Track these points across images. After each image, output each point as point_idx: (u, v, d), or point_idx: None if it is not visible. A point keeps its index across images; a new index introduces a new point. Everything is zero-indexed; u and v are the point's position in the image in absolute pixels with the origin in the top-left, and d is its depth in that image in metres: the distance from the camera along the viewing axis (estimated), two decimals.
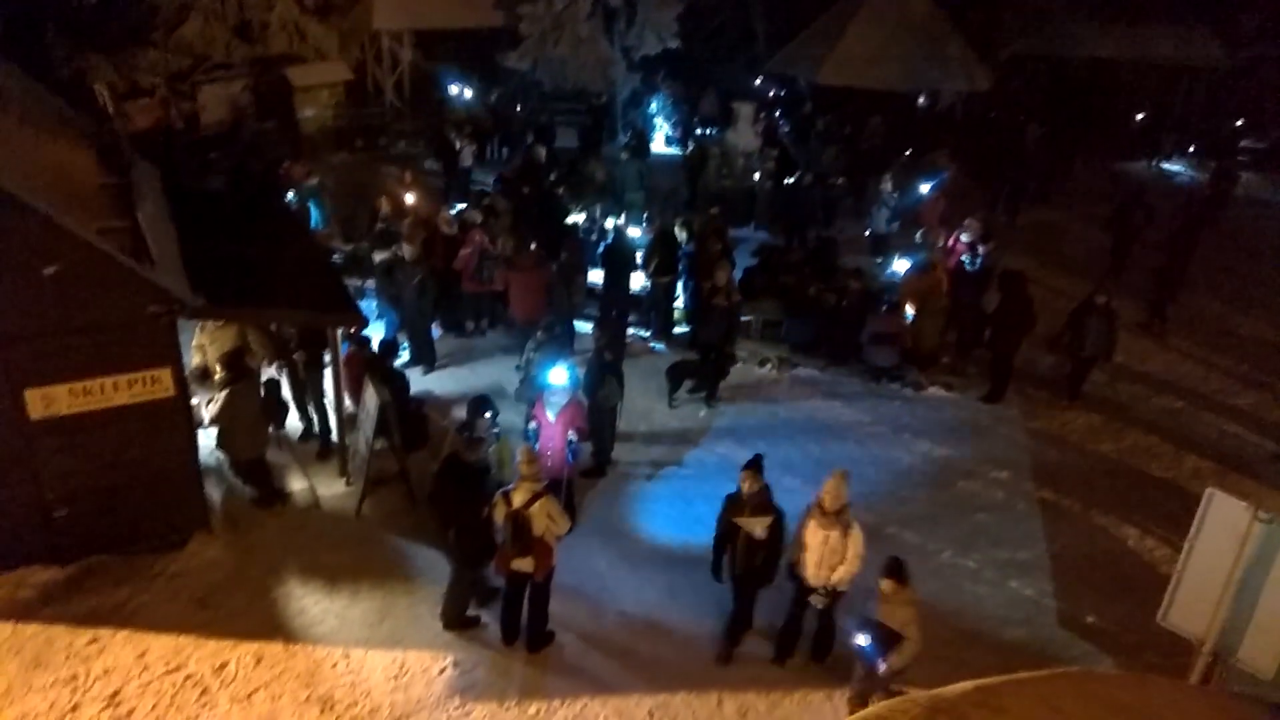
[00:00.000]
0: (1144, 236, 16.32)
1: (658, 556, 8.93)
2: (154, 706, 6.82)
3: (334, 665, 7.32)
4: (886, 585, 6.59)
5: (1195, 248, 15.74)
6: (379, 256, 12.28)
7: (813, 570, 7.26)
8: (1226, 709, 3.70)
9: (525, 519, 7.15)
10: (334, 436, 9.93)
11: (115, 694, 6.90)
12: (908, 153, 20.04)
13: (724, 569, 7.69)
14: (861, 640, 6.70)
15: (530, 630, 7.64)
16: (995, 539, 9.58)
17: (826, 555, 7.16)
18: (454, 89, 21.88)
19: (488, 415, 8.70)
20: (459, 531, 7.65)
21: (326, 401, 10.05)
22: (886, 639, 6.59)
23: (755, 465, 7.46)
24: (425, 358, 12.30)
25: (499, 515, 7.29)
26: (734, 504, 7.47)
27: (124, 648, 7.34)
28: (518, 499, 7.20)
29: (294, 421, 10.30)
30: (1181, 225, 15.79)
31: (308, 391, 10.19)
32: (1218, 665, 6.29)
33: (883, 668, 6.63)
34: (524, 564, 7.29)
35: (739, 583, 7.63)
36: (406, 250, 11.91)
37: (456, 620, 7.80)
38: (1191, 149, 25.42)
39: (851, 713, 6.89)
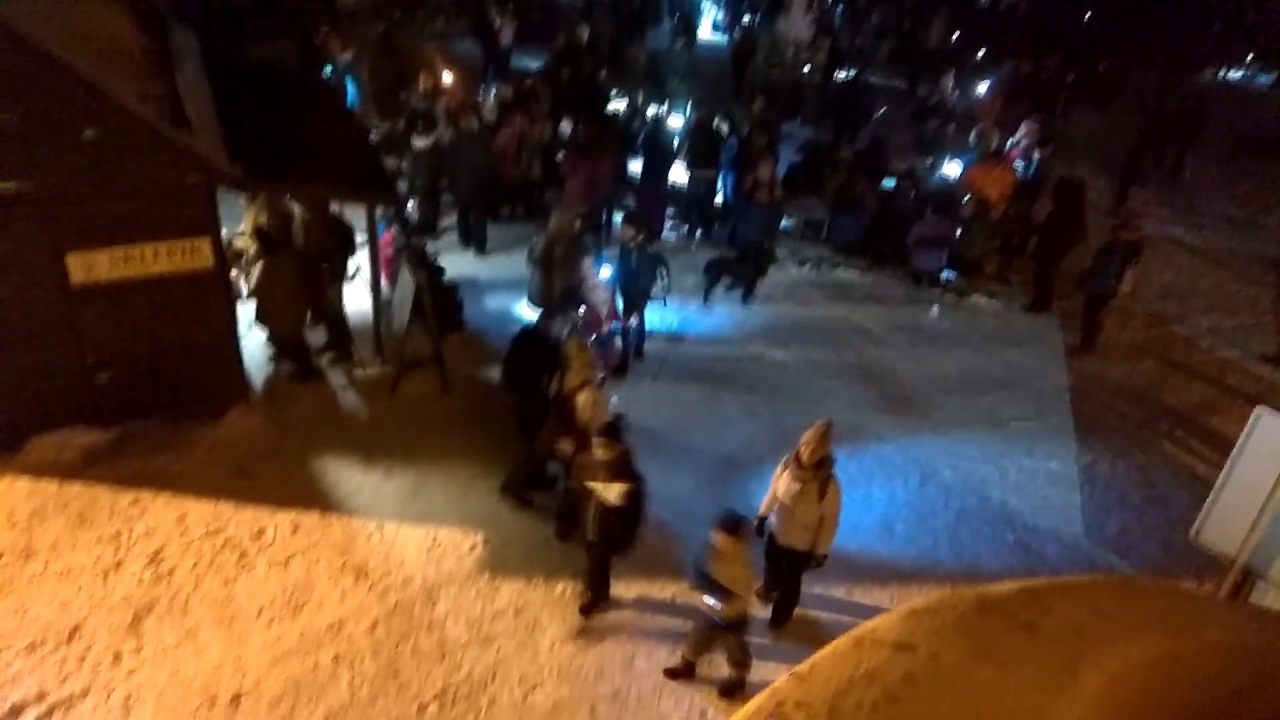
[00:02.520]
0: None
1: (685, 451, 8.96)
2: (194, 566, 7.04)
3: (368, 537, 7.50)
4: (720, 540, 5.99)
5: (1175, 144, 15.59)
6: (420, 142, 12.00)
7: (781, 526, 6.72)
8: (1262, 624, 3.66)
9: (571, 405, 7.24)
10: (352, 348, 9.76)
11: (157, 552, 7.11)
12: (981, 53, 19.22)
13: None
14: (711, 601, 6.16)
15: None
16: (1027, 449, 9.53)
17: (799, 512, 6.56)
18: None
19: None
20: (520, 398, 7.83)
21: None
22: (723, 595, 6.14)
23: (612, 430, 6.56)
24: (478, 239, 12.27)
25: (551, 393, 7.43)
26: (587, 467, 6.73)
27: (165, 510, 7.54)
28: (568, 383, 7.31)
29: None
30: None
31: (330, 305, 9.74)
32: (1246, 584, 6.27)
33: (713, 607, 6.18)
34: (565, 446, 7.38)
35: (590, 548, 6.90)
36: (464, 124, 11.78)
37: (513, 492, 7.99)
38: (1252, 57, 24.19)
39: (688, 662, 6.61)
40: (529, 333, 8.09)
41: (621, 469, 6.52)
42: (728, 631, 6.31)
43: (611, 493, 6.48)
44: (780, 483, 6.66)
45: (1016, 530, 8.42)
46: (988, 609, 2.26)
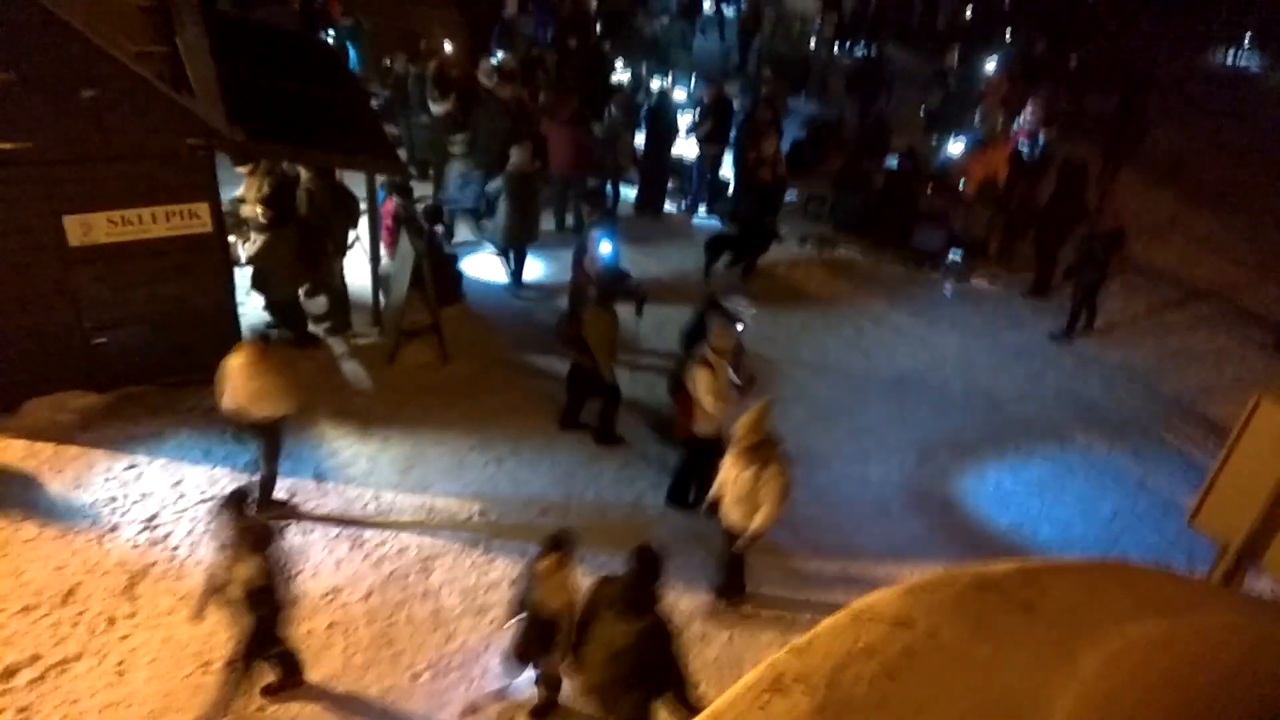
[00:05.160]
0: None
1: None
2: (189, 532, 7.04)
3: (365, 505, 7.50)
4: (545, 565, 5.37)
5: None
6: (438, 108, 11.88)
7: (729, 507, 6.54)
8: (1253, 608, 3.69)
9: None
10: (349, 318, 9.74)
11: (152, 518, 7.11)
12: (990, 32, 19.09)
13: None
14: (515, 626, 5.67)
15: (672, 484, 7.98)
16: (1024, 431, 9.53)
17: (740, 492, 6.41)
18: None
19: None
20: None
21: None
22: (539, 635, 5.50)
23: (230, 500, 5.43)
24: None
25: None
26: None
27: (161, 475, 7.54)
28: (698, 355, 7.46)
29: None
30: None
31: (329, 275, 9.61)
32: (1240, 570, 6.28)
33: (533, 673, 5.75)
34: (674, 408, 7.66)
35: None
36: (499, 89, 12.00)
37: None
38: (1248, 40, 24.01)
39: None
40: (712, 303, 8.32)
41: (256, 539, 5.37)
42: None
43: (239, 572, 5.39)
44: (726, 465, 6.52)
45: (1011, 512, 8.43)
46: (986, 587, 2.26)
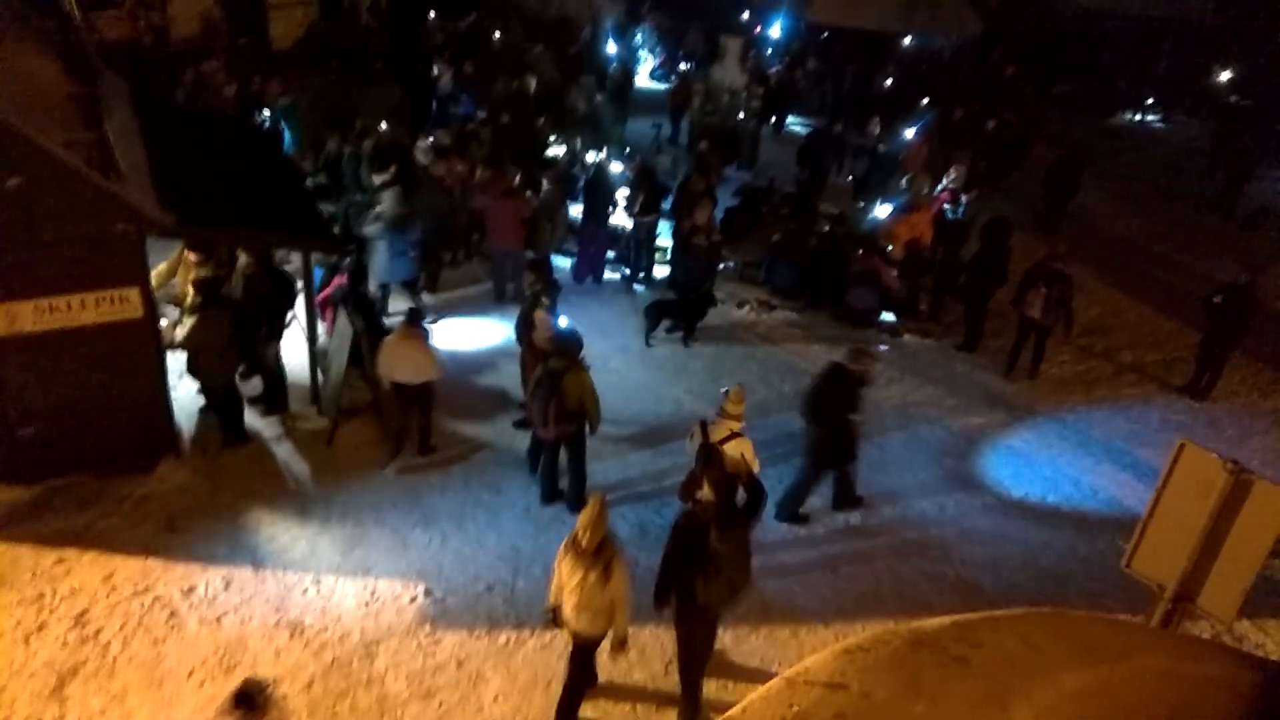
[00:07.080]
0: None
1: (629, 492, 8.96)
2: (121, 627, 6.80)
3: (304, 591, 7.32)
4: None
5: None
6: (378, 179, 11.95)
7: (571, 613, 6.08)
8: (1189, 650, 3.76)
9: (717, 454, 7.08)
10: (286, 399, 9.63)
11: (82, 614, 6.86)
12: (926, 102, 19.82)
13: None
14: None
15: None
16: (963, 483, 9.69)
17: (584, 597, 5.95)
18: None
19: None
20: (830, 429, 8.44)
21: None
22: None
23: None
24: (431, 279, 12.46)
25: (693, 444, 7.46)
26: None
27: (91, 569, 7.29)
28: (715, 434, 7.35)
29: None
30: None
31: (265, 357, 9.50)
32: (1177, 612, 6.42)
33: None
34: (706, 493, 7.02)
35: None
36: (434, 167, 12.43)
37: (792, 513, 8.71)
38: (1151, 101, 25.45)
39: None
40: (838, 370, 8.49)
41: None
42: None
43: None
44: (563, 567, 6.08)
45: (954, 564, 8.53)
46: (920, 644, 2.29)
